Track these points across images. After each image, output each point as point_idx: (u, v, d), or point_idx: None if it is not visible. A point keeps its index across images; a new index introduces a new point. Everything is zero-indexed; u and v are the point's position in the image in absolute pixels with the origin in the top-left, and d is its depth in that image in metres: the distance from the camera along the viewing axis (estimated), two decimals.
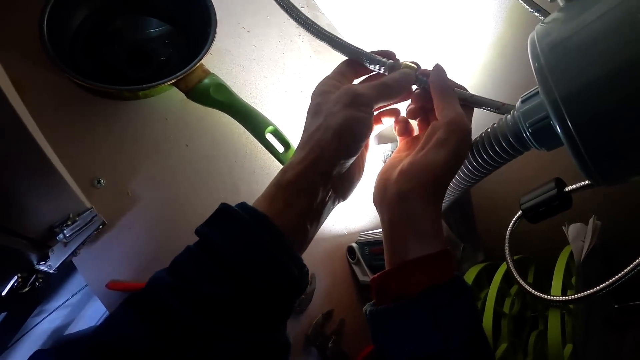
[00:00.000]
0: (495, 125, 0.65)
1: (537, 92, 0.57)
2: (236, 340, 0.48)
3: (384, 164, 0.71)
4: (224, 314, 0.48)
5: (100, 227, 0.77)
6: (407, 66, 0.70)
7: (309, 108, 0.66)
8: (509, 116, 0.63)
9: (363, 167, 0.70)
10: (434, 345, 0.55)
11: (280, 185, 0.57)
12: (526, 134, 0.59)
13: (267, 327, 0.51)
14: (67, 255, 0.72)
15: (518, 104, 0.61)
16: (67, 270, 0.73)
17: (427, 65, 0.71)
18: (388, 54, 0.73)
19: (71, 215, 0.70)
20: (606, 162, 0.51)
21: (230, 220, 0.52)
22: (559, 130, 0.52)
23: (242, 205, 0.55)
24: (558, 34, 0.53)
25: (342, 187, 0.65)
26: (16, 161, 0.54)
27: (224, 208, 0.54)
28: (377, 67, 0.70)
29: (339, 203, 0.66)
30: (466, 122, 0.62)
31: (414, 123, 0.75)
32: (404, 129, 0.74)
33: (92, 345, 0.46)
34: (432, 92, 0.67)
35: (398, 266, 0.59)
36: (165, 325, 0.46)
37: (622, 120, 0.48)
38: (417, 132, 0.74)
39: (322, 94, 0.66)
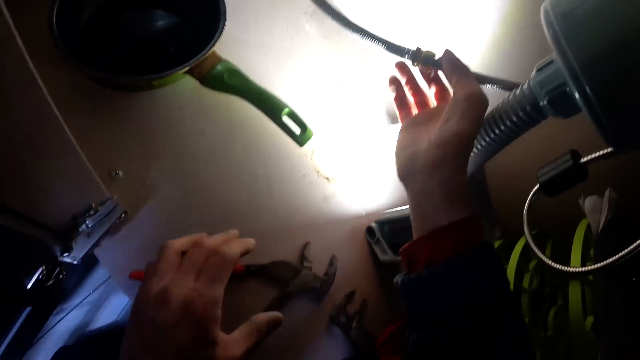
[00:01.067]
0: (510, 96, 0.66)
1: (552, 61, 0.58)
2: None
3: (397, 142, 0.73)
4: None
5: (122, 216, 0.77)
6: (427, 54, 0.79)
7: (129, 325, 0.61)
8: (524, 86, 0.63)
9: None
10: (466, 307, 0.57)
11: None
12: (543, 102, 0.60)
13: None
14: (90, 246, 0.72)
15: (534, 72, 0.62)
16: (86, 266, 0.74)
17: (438, 48, 0.73)
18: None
19: (93, 205, 0.71)
20: (626, 125, 0.52)
21: None
22: (577, 96, 0.52)
23: None
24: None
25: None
26: (43, 145, 0.55)
27: None
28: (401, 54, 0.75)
29: None
30: (484, 94, 0.65)
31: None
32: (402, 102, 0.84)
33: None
34: (447, 70, 0.71)
35: (430, 233, 0.61)
36: None
37: None
38: (434, 104, 0.81)
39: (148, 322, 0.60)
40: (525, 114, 0.63)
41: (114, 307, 1.45)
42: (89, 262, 0.76)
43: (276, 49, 1.10)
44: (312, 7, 1.05)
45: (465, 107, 0.64)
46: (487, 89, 0.79)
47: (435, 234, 0.61)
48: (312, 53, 1.15)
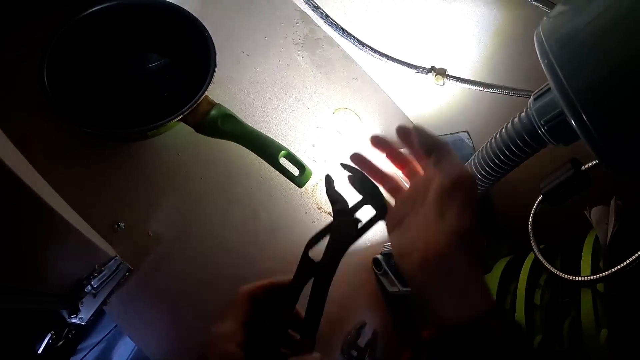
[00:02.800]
0: (509, 125, 0.65)
1: (549, 89, 0.57)
2: None
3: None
4: None
5: (127, 274, 0.77)
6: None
7: None
8: (522, 114, 0.63)
9: None
10: None
11: None
12: (542, 131, 0.59)
13: None
14: (97, 306, 0.72)
15: (530, 101, 0.61)
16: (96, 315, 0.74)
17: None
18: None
19: (97, 267, 0.71)
20: (628, 153, 0.51)
21: None
22: (575, 126, 0.52)
23: None
24: (565, 28, 0.52)
25: None
26: (35, 229, 0.55)
27: None
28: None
29: None
30: (469, 172, 0.61)
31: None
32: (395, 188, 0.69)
33: None
34: (421, 150, 0.62)
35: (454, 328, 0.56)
36: None
37: (637, 112, 0.48)
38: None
39: None
40: (524, 143, 0.63)
41: (121, 354, 1.44)
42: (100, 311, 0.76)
43: (270, 83, 1.10)
44: (303, 37, 1.05)
45: (458, 195, 0.57)
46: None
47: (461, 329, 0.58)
48: (307, 84, 1.15)
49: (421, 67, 0.83)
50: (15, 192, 0.48)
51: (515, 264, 1.11)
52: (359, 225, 0.64)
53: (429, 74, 0.89)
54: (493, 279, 1.07)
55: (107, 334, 1.38)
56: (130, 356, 1.40)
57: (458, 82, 0.81)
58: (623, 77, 0.47)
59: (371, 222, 0.64)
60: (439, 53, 1.08)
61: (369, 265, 1.05)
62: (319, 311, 0.60)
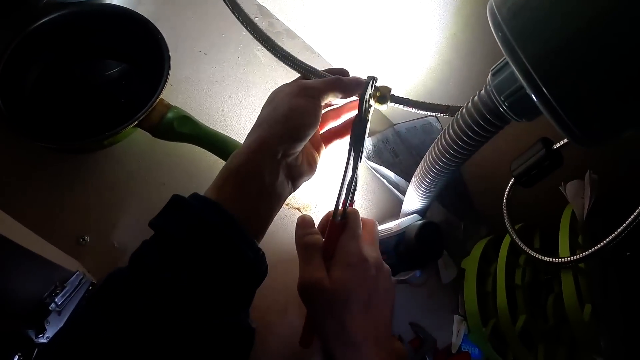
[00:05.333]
0: (468, 104, 0.63)
1: (507, 63, 0.55)
2: (197, 323, 0.49)
3: None
4: (184, 299, 0.49)
5: (90, 287, 0.76)
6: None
7: (264, 104, 0.70)
8: (482, 92, 0.61)
9: (315, 166, 0.72)
10: None
11: (229, 171, 0.61)
12: (503, 108, 0.58)
13: (227, 311, 0.53)
14: (63, 323, 0.70)
15: (489, 77, 0.59)
16: None
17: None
18: (342, 72, 0.74)
19: (58, 284, 0.69)
20: (591, 123, 0.49)
21: (182, 210, 0.55)
22: (536, 99, 0.50)
23: (194, 195, 0.57)
24: None
25: (292, 176, 0.66)
26: None
27: (175, 199, 0.57)
28: None
29: (290, 192, 0.67)
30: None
31: None
32: None
33: (61, 352, 0.46)
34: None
35: None
36: (129, 317, 0.47)
37: (599, 78, 0.46)
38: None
39: (276, 92, 0.70)
40: (486, 122, 0.61)
41: None
42: None
43: (230, 81, 1.09)
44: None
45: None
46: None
47: None
48: (268, 79, 1.14)
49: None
50: None
51: (494, 245, 1.11)
52: None
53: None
54: (472, 261, 1.08)
55: None
56: None
57: (403, 106, 0.80)
58: (581, 42, 0.45)
59: None
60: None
61: None
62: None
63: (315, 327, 0.62)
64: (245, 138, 0.65)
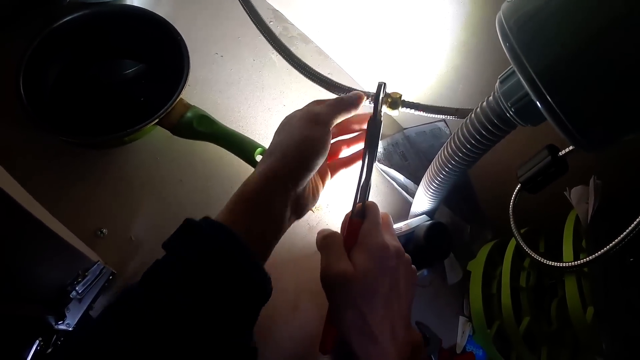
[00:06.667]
0: (477, 109, 0.66)
1: (514, 71, 0.58)
2: (205, 343, 0.50)
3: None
4: (194, 320, 0.50)
5: (110, 277, 0.78)
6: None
7: (276, 130, 0.72)
8: (490, 98, 0.63)
9: (317, 197, 0.74)
10: None
11: (241, 197, 0.63)
12: (509, 114, 0.60)
13: (233, 332, 0.54)
14: (82, 311, 0.73)
15: (497, 84, 0.62)
16: None
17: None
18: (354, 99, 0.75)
19: (80, 272, 0.71)
20: (591, 128, 0.52)
21: (194, 235, 0.56)
22: (540, 106, 0.52)
23: (206, 221, 0.58)
24: (524, 10, 0.53)
25: (297, 206, 0.68)
26: (17, 237, 0.55)
27: (188, 224, 0.57)
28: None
29: (293, 221, 0.69)
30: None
31: None
32: None
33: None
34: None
35: None
36: (142, 334, 0.48)
37: (598, 86, 0.49)
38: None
39: (288, 118, 0.72)
40: (494, 127, 0.63)
41: None
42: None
43: (245, 83, 1.11)
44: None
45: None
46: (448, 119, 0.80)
47: None
48: (282, 81, 1.16)
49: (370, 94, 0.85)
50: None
51: (500, 249, 1.12)
52: None
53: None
54: (478, 264, 1.09)
55: None
56: None
57: (414, 110, 0.83)
58: (582, 55, 0.48)
59: None
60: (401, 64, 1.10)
61: None
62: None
63: (334, 319, 0.63)
64: (258, 163, 0.68)
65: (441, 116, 0.81)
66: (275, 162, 0.64)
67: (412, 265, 0.70)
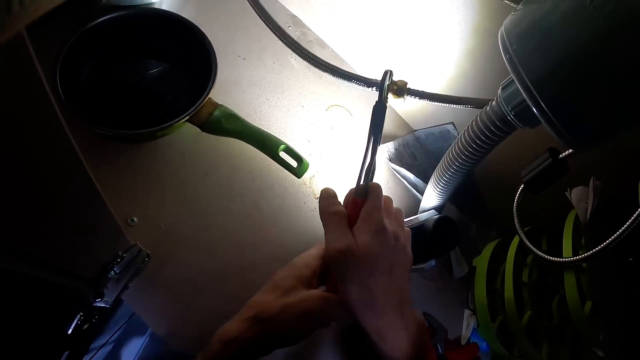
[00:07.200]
0: (482, 113, 0.72)
1: (513, 80, 0.64)
2: None
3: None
4: None
5: (146, 260, 0.84)
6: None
7: (274, 278, 0.67)
8: (493, 102, 0.70)
9: None
10: None
11: (221, 345, 0.60)
12: (510, 117, 0.66)
13: None
14: (119, 290, 0.78)
15: (499, 90, 0.68)
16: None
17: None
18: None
19: (120, 253, 0.77)
20: (580, 131, 0.58)
21: None
22: (535, 111, 0.59)
23: None
24: (522, 24, 0.59)
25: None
26: (78, 203, 0.60)
27: None
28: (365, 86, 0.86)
29: None
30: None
31: None
32: None
33: None
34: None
35: None
36: None
37: (586, 94, 0.55)
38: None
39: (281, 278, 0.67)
40: (497, 128, 0.69)
41: (132, 349, 1.47)
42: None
43: (266, 84, 1.16)
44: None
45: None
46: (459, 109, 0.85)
47: None
48: (301, 84, 1.21)
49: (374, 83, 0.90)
50: (77, 172, 0.54)
51: (504, 246, 1.17)
52: None
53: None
54: (483, 260, 1.14)
55: (120, 327, 1.43)
56: (137, 356, 1.45)
57: (418, 98, 0.87)
58: (570, 67, 0.54)
59: None
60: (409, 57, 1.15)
61: None
62: None
63: (342, 294, 0.63)
64: (252, 298, 0.66)
65: (447, 125, 0.85)
66: (251, 331, 0.61)
67: (409, 252, 0.69)
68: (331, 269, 0.65)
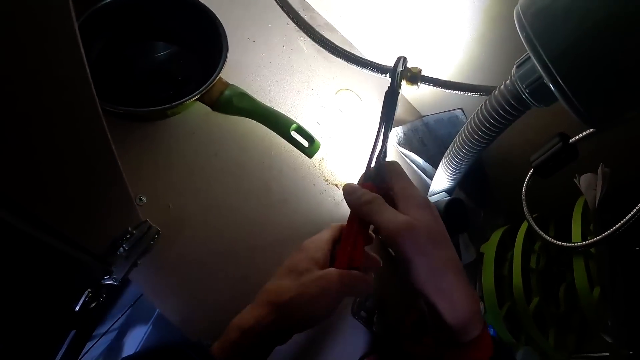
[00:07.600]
0: (495, 92, 0.72)
1: (529, 57, 0.64)
2: None
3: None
4: None
5: (156, 237, 0.83)
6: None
7: (286, 263, 0.69)
8: (507, 81, 0.69)
9: None
10: None
11: (237, 332, 0.61)
12: (525, 95, 0.66)
13: None
14: (128, 268, 0.78)
15: (514, 69, 0.68)
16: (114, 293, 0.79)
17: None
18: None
19: (130, 229, 0.76)
20: (598, 107, 0.58)
21: None
22: (552, 88, 0.59)
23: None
24: (540, 3, 0.59)
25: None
26: (95, 174, 0.60)
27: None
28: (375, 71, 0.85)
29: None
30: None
31: None
32: None
33: None
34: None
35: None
36: None
37: (603, 70, 0.55)
38: None
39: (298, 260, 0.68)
40: (511, 106, 0.69)
41: (135, 337, 1.48)
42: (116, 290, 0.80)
43: (276, 67, 1.16)
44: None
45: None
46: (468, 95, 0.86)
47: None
48: (310, 67, 1.21)
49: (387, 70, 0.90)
50: (98, 139, 0.54)
51: (511, 233, 1.17)
52: None
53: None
54: (491, 247, 1.14)
55: (126, 311, 1.44)
56: (141, 343, 1.45)
57: (432, 85, 0.87)
58: (589, 42, 0.54)
59: None
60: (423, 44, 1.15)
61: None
62: None
63: (404, 270, 0.62)
64: (266, 285, 0.67)
65: (457, 111, 0.86)
66: (272, 315, 0.63)
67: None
68: (393, 248, 0.63)
